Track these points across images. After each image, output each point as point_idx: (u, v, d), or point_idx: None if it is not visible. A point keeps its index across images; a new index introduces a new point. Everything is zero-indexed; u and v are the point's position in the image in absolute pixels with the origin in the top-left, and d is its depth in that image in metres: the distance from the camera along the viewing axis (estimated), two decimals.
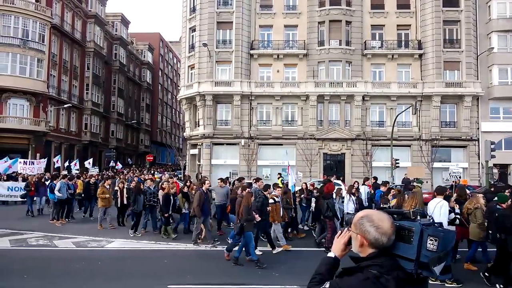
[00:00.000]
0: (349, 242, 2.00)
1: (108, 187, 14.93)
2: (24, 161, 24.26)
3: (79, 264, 9.12)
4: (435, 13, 31.64)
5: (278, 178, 21.79)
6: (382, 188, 13.18)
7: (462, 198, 9.51)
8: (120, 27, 54.22)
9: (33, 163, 24.64)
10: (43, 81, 34.53)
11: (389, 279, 1.75)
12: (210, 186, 13.00)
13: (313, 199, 13.54)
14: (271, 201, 10.69)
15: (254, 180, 12.69)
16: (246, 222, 9.13)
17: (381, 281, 1.74)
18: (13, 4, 32.87)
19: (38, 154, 31.63)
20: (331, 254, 2.04)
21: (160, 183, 14.71)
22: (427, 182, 28.74)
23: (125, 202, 14.67)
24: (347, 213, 11.35)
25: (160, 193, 13.11)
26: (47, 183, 17.41)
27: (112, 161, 38.89)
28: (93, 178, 18.36)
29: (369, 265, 1.81)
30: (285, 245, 10.89)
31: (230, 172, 30.12)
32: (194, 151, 34.66)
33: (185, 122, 36.77)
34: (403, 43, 33.05)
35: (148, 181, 14.44)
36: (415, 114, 29.76)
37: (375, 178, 17.28)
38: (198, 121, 33.42)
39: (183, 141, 49.49)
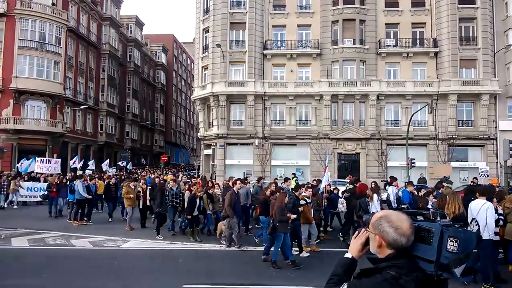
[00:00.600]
0: (366, 243, 1.97)
1: (133, 187, 14.77)
2: (41, 160, 24.35)
3: (96, 263, 9.23)
4: (451, 10, 31.13)
5: (293, 178, 21.69)
6: (409, 189, 12.76)
7: (500, 199, 9.13)
8: (135, 29, 54.84)
9: (50, 161, 24.75)
10: (59, 83, 35.15)
11: (408, 280, 1.72)
12: (240, 186, 12.50)
13: (340, 200, 13.41)
14: (302, 202, 10.41)
15: (258, 180, 12.54)
16: (279, 223, 8.97)
17: (400, 282, 1.71)
18: (30, 8, 33.56)
19: (55, 155, 32.18)
20: (348, 255, 2.01)
21: (187, 184, 14.50)
22: None
23: (147, 203, 14.52)
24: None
25: (187, 194, 12.83)
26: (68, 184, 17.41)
27: (124, 162, 39.24)
28: (113, 179, 18.20)
29: (388, 266, 1.78)
30: (313, 246, 10.82)
31: (244, 172, 30.17)
32: (208, 152, 34.81)
33: (199, 123, 36.96)
34: (418, 41, 32.60)
35: (171, 181, 14.09)
36: (431, 113, 29.28)
37: (391, 178, 17.05)
38: (212, 122, 33.55)
39: (197, 141, 49.82)
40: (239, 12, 32.96)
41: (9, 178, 21.34)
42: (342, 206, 13.41)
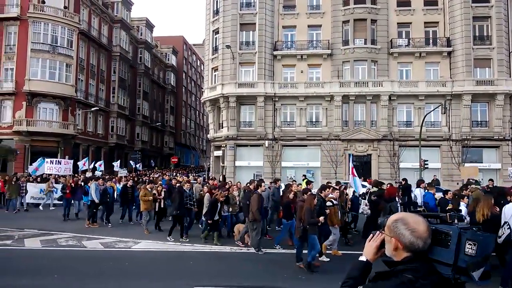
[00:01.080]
0: (381, 246, 1.95)
1: (150, 189, 14.35)
2: (50, 161, 24.23)
3: (107, 264, 9.19)
4: (464, 9, 30.66)
5: (303, 179, 21.46)
6: (432, 191, 12.43)
7: None
8: (145, 31, 55.23)
9: (59, 162, 24.68)
10: (71, 85, 35.48)
11: (425, 284, 1.69)
12: (264, 189, 12.19)
13: (364, 201, 13.16)
14: (328, 203, 10.07)
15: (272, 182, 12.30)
16: (309, 225, 8.69)
17: (416, 286, 1.69)
18: (43, 11, 33.95)
19: (66, 156, 32.45)
20: (363, 258, 1.99)
21: (206, 186, 14.24)
22: (457, 183, 27.83)
23: (162, 206, 14.26)
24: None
25: (207, 197, 12.56)
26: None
27: (133, 163, 39.38)
28: (130, 181, 17.67)
29: (404, 270, 1.75)
30: (335, 250, 10.40)
31: (254, 174, 30.01)
32: (218, 153, 34.77)
33: (209, 124, 36.96)
34: (431, 40, 32.19)
35: (186, 183, 13.78)
36: (444, 113, 28.82)
37: (405, 180, 16.77)
38: (222, 123, 33.51)
39: (207, 143, 49.82)
40: (249, 13, 32.89)
41: (30, 180, 21.33)
42: (367, 208, 13.04)
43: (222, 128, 33.33)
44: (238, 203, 13.41)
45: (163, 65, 63.96)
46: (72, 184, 17.90)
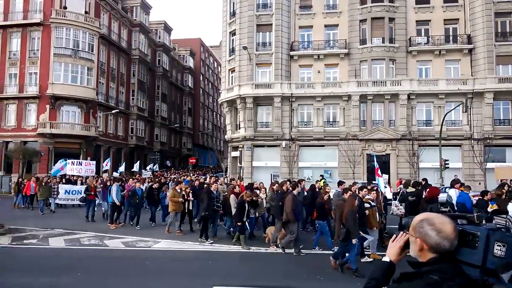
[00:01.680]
0: (405, 246, 1.93)
1: (179, 190, 13.99)
2: (72, 162, 24.37)
3: (129, 263, 9.41)
4: (486, 5, 29.96)
5: (321, 180, 21.42)
6: (468, 191, 11.92)
7: None
8: (163, 34, 55.98)
9: (80, 163, 24.73)
10: (92, 89, 36.33)
11: (452, 285, 1.65)
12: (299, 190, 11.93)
13: (395, 202, 12.86)
14: (366, 205, 9.80)
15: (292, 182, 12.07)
16: (351, 227, 8.56)
17: (443, 287, 1.65)
18: (64, 16, 34.87)
19: (88, 158, 33.23)
20: (386, 259, 1.97)
21: (230, 187, 14.06)
22: (479, 183, 27.24)
23: (190, 207, 14.11)
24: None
25: (232, 198, 12.35)
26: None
27: (152, 164, 39.86)
28: (156, 183, 17.07)
29: (430, 271, 1.72)
30: (374, 253, 9.85)
31: (271, 174, 30.10)
32: (236, 154, 34.97)
33: (226, 125, 37.20)
34: (451, 38, 31.58)
35: (213, 185, 13.29)
36: (465, 112, 28.25)
37: (425, 180, 16.55)
38: (239, 124, 33.68)
39: (224, 143, 50.12)
40: (265, 14, 32.97)
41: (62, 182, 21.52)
42: (397, 209, 12.67)
43: (239, 129, 33.51)
44: (264, 204, 13.22)
45: (181, 67, 64.67)
46: (97, 185, 17.89)
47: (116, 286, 7.76)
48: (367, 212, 9.62)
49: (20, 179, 23.53)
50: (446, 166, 25.44)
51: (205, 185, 14.72)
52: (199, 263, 9.72)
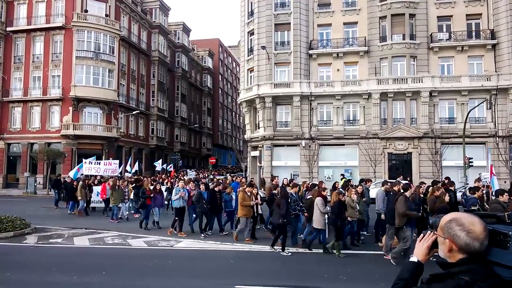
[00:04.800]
0: (433, 246, 1.89)
1: (249, 193, 12.33)
2: (89, 161, 22.54)
3: (151, 262, 9.54)
4: None
5: (341, 179, 21.24)
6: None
7: None
8: (182, 35, 56.56)
9: (99, 163, 22.71)
10: (114, 90, 37.01)
11: (484, 286, 1.62)
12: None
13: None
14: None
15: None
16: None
17: None
18: (86, 20, 35.65)
19: (110, 158, 33.84)
20: (413, 259, 1.93)
21: (315, 190, 11.98)
22: (505, 182, 26.49)
23: (260, 211, 12.86)
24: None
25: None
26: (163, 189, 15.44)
27: (176, 163, 40.07)
28: (218, 186, 13.90)
29: (461, 272, 1.68)
30: None
31: (291, 174, 29.99)
32: (255, 153, 35.03)
33: (246, 125, 37.30)
34: (473, 33, 30.84)
35: (294, 187, 12.08)
36: (489, 109, 27.50)
37: (447, 178, 16.17)
38: (258, 123, 33.72)
39: (244, 143, 50.24)
40: (283, 13, 32.89)
41: (132, 185, 18.09)
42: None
43: (259, 128, 33.54)
44: (357, 207, 11.95)
45: (200, 68, 65.18)
46: (154, 189, 15.25)
47: (142, 286, 7.88)
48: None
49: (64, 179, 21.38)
50: (470, 164, 24.84)
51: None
52: (220, 262, 9.78)
